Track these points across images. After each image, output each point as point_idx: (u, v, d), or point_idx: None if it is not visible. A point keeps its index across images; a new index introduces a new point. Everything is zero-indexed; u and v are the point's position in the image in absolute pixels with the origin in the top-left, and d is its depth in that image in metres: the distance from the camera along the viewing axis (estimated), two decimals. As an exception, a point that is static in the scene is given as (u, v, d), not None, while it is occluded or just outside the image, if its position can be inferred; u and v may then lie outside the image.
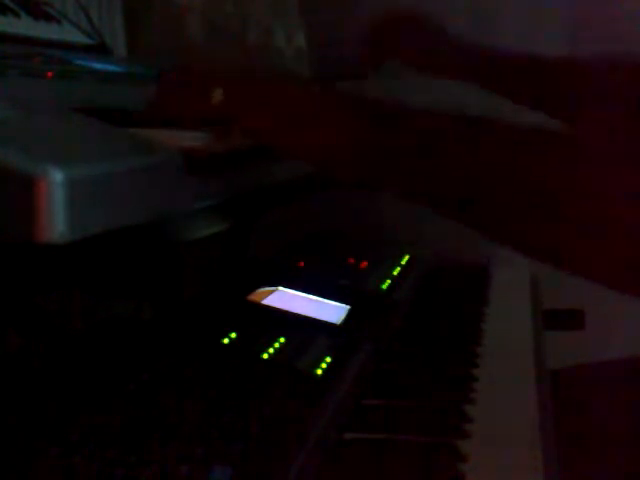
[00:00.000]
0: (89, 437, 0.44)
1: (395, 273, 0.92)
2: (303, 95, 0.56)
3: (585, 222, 0.42)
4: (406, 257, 1.00)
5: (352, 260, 0.94)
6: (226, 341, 0.61)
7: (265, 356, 0.60)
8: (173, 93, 0.58)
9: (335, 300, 0.76)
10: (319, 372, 0.59)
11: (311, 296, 0.76)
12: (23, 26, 0.79)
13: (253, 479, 0.44)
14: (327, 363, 0.61)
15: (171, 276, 0.64)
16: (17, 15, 0.79)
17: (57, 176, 0.30)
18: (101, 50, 0.92)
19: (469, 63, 0.90)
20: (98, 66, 0.72)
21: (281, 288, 0.76)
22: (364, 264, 0.93)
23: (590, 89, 0.81)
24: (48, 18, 0.85)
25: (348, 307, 0.75)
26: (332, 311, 0.74)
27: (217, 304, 0.70)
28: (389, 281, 0.88)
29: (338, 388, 0.59)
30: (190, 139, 0.51)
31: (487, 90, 0.90)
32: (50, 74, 0.56)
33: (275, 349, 0.61)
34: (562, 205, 0.43)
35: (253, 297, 0.73)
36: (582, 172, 0.43)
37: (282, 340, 0.63)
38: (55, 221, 0.31)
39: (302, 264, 0.90)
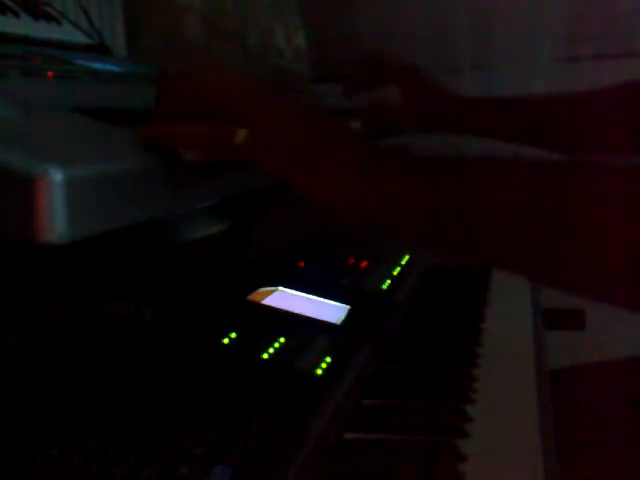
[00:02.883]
0: (89, 437, 0.44)
1: (395, 273, 0.92)
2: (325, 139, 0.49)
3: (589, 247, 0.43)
4: (406, 257, 1.00)
5: (352, 260, 0.94)
6: (226, 341, 0.61)
7: (265, 356, 0.60)
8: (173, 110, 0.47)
9: (335, 300, 0.76)
10: (319, 372, 0.59)
11: (311, 296, 0.76)
12: (23, 26, 0.78)
13: (253, 479, 0.44)
14: (327, 363, 0.61)
15: (171, 276, 0.65)
16: (17, 15, 0.79)
17: (57, 176, 0.30)
18: (101, 50, 0.92)
19: (468, 115, 0.92)
20: (98, 66, 0.72)
21: (281, 288, 0.76)
22: (364, 264, 0.93)
23: (590, 123, 0.82)
24: (48, 18, 0.85)
25: (348, 307, 0.75)
26: (332, 311, 0.74)
27: (217, 304, 0.70)
28: (389, 281, 0.88)
29: (338, 388, 0.59)
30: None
31: (483, 136, 0.92)
32: (50, 74, 0.56)
33: (275, 349, 0.61)
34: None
35: (253, 297, 0.73)
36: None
37: (282, 340, 0.63)
38: (55, 221, 0.31)
39: (302, 264, 0.90)
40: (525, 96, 0.95)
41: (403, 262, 0.98)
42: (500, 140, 0.91)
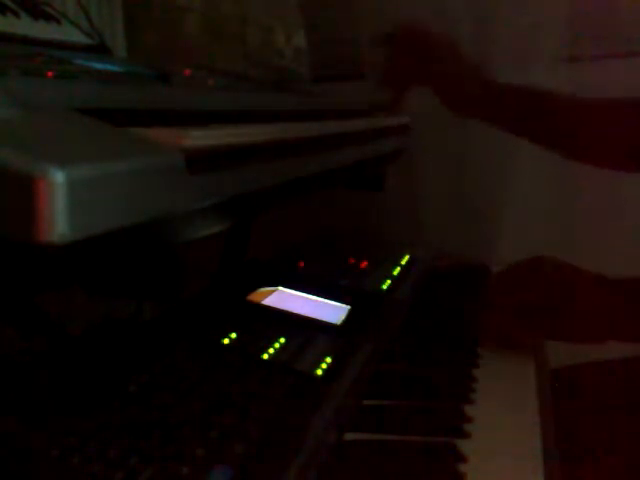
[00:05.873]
0: (89, 437, 0.44)
1: (395, 273, 0.92)
2: None
3: None
4: (406, 257, 1.00)
5: (352, 260, 0.94)
6: (226, 341, 0.61)
7: (265, 356, 0.60)
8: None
9: (335, 300, 0.76)
10: (319, 372, 0.59)
11: (311, 296, 0.76)
12: (23, 26, 0.78)
13: (253, 479, 0.44)
14: (327, 363, 0.61)
15: (171, 276, 0.64)
16: (17, 15, 0.79)
17: (57, 176, 0.30)
18: (101, 50, 0.92)
19: (486, 95, 0.97)
20: (98, 66, 0.72)
21: (281, 288, 0.76)
22: (364, 264, 0.93)
23: (591, 128, 0.90)
24: (48, 18, 0.85)
25: (348, 307, 0.75)
26: (332, 311, 0.74)
27: (217, 304, 0.70)
28: (389, 281, 0.88)
29: (338, 388, 0.59)
30: (191, 138, 0.51)
31: (491, 123, 0.96)
32: (50, 74, 0.56)
33: (275, 349, 0.61)
34: None
35: (253, 297, 0.73)
36: None
37: (282, 340, 0.63)
38: (55, 222, 0.31)
39: (302, 264, 0.90)
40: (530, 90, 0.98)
41: (403, 262, 0.98)
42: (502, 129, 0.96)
